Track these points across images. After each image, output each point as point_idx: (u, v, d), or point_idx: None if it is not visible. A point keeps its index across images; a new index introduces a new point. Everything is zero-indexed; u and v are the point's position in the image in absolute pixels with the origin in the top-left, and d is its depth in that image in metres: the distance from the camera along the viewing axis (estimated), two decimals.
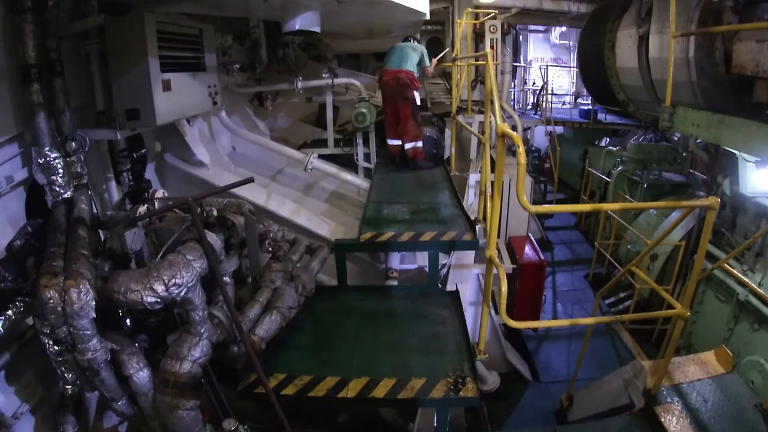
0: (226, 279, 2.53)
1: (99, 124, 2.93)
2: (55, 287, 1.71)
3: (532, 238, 6.19)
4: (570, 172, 11.61)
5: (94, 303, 1.75)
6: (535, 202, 8.48)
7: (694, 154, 7.00)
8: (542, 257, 5.65)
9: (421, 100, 7.33)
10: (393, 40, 6.82)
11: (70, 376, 2.00)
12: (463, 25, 6.67)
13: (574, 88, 16.63)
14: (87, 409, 2.33)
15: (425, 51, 5.50)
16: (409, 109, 5.35)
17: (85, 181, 2.60)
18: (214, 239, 2.32)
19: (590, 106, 11.34)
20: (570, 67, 16.97)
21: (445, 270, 4.18)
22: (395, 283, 3.81)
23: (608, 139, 12.14)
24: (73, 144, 2.55)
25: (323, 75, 5.76)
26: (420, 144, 5.53)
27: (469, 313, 3.75)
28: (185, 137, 3.88)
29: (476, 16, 7.69)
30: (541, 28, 17.15)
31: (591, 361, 5.17)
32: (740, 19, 4.21)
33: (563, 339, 6.16)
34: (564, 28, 16.60)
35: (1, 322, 1.88)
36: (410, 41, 5.55)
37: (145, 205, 2.43)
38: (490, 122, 3.69)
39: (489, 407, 4.53)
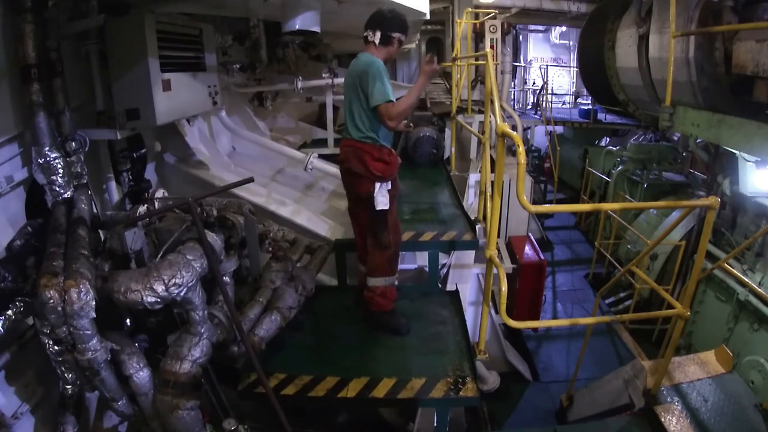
0: (226, 279, 2.53)
1: (99, 124, 2.93)
2: (55, 287, 1.71)
3: (532, 238, 6.19)
4: (570, 172, 11.61)
5: (94, 303, 1.75)
6: (535, 202, 8.48)
7: (694, 154, 7.02)
8: (542, 257, 5.65)
9: (420, 100, 7.36)
10: None
11: (70, 376, 2.00)
12: (463, 25, 6.66)
13: (574, 88, 16.63)
14: (87, 409, 2.33)
15: (377, 71, 2.64)
16: (365, 217, 3.01)
17: (85, 181, 2.60)
18: (214, 239, 2.32)
19: (590, 106, 11.36)
20: (570, 67, 16.98)
21: (445, 270, 4.18)
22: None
23: (608, 139, 12.15)
24: (73, 144, 2.54)
25: (323, 75, 5.75)
26: (387, 287, 3.07)
27: (469, 313, 3.74)
28: (185, 137, 3.88)
29: (476, 16, 7.70)
30: (541, 28, 17.14)
31: (591, 361, 5.17)
32: (740, 18, 4.22)
33: (563, 339, 6.16)
34: (564, 28, 16.59)
35: (1, 322, 1.88)
36: (367, 52, 2.82)
37: (145, 205, 2.43)
38: (490, 122, 3.69)
39: (489, 407, 4.52)
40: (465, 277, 4.19)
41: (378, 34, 2.81)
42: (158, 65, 2.98)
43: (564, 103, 15.87)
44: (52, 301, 1.70)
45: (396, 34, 2.84)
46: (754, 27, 3.84)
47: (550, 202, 10.67)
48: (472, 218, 3.88)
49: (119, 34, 2.85)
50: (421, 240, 3.59)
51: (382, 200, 2.81)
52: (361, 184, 2.85)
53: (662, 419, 2.63)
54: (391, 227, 2.96)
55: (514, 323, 2.52)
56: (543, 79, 13.39)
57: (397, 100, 2.69)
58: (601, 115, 10.95)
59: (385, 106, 2.62)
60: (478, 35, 7.87)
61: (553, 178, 10.32)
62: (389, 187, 2.84)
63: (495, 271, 2.56)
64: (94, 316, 1.77)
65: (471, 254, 4.21)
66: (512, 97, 13.52)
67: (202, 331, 2.16)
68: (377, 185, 2.79)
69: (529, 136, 12.01)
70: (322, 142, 6.20)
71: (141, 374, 2.01)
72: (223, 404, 2.40)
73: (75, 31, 2.72)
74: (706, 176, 6.46)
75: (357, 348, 2.97)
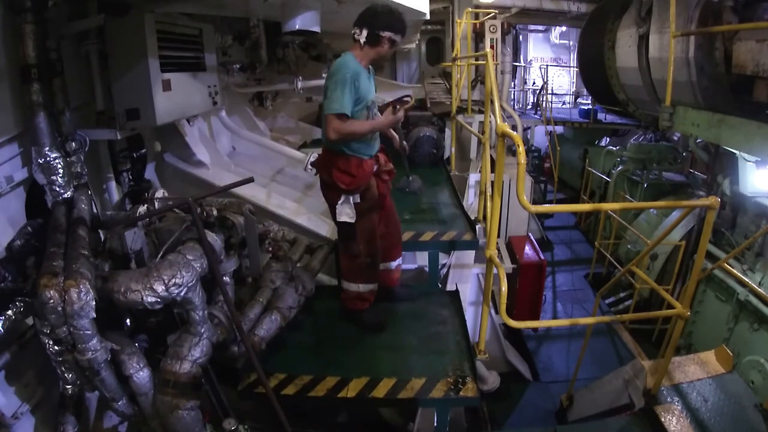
0: (226, 279, 2.53)
1: (99, 124, 2.93)
2: (55, 287, 1.71)
3: (532, 237, 6.19)
4: (570, 171, 11.62)
5: (94, 303, 1.75)
6: (535, 202, 8.48)
7: (694, 154, 7.02)
8: (542, 257, 5.66)
9: (420, 100, 7.36)
10: None
11: (70, 376, 1.99)
12: (463, 25, 6.66)
13: (574, 88, 16.63)
14: (87, 409, 2.33)
15: (342, 79, 2.44)
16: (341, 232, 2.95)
17: (85, 181, 2.60)
18: (214, 239, 2.32)
19: (590, 106, 11.36)
20: (570, 67, 16.97)
21: (445, 270, 4.18)
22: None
23: (608, 139, 12.15)
24: (73, 144, 2.55)
25: (323, 75, 5.75)
26: (362, 292, 3.08)
27: (469, 313, 3.74)
28: (185, 137, 3.88)
29: (476, 16, 7.69)
30: (541, 28, 17.13)
31: (591, 361, 5.17)
32: (740, 18, 4.22)
33: (563, 339, 6.16)
34: (564, 28, 16.59)
35: (1, 322, 1.88)
36: (351, 53, 2.61)
37: (145, 205, 2.43)
38: (490, 122, 3.69)
39: (489, 407, 4.52)
40: (465, 277, 4.19)
41: (365, 33, 2.51)
42: (158, 65, 2.98)
43: (564, 103, 15.86)
44: (52, 301, 1.69)
45: (386, 33, 2.51)
46: (754, 27, 3.85)
47: (550, 202, 10.67)
48: (472, 218, 3.88)
49: (119, 34, 2.85)
50: (421, 240, 3.59)
51: (345, 212, 2.72)
52: (329, 194, 2.81)
53: (662, 419, 2.63)
54: (362, 237, 2.89)
55: (514, 323, 2.52)
56: (543, 79, 13.39)
57: (377, 108, 2.66)
58: (601, 115, 10.96)
59: (333, 117, 2.43)
60: (478, 35, 7.87)
61: (553, 178, 10.32)
62: (357, 200, 2.75)
63: (495, 271, 2.56)
64: (94, 316, 1.77)
65: (471, 254, 4.21)
66: (512, 97, 13.52)
67: (202, 331, 2.16)
68: (342, 197, 2.72)
69: (529, 136, 12.02)
70: (321, 142, 6.20)
71: (141, 374, 2.01)
72: (223, 404, 2.39)
73: (75, 31, 2.72)
74: (706, 176, 6.46)
75: (357, 348, 2.97)
